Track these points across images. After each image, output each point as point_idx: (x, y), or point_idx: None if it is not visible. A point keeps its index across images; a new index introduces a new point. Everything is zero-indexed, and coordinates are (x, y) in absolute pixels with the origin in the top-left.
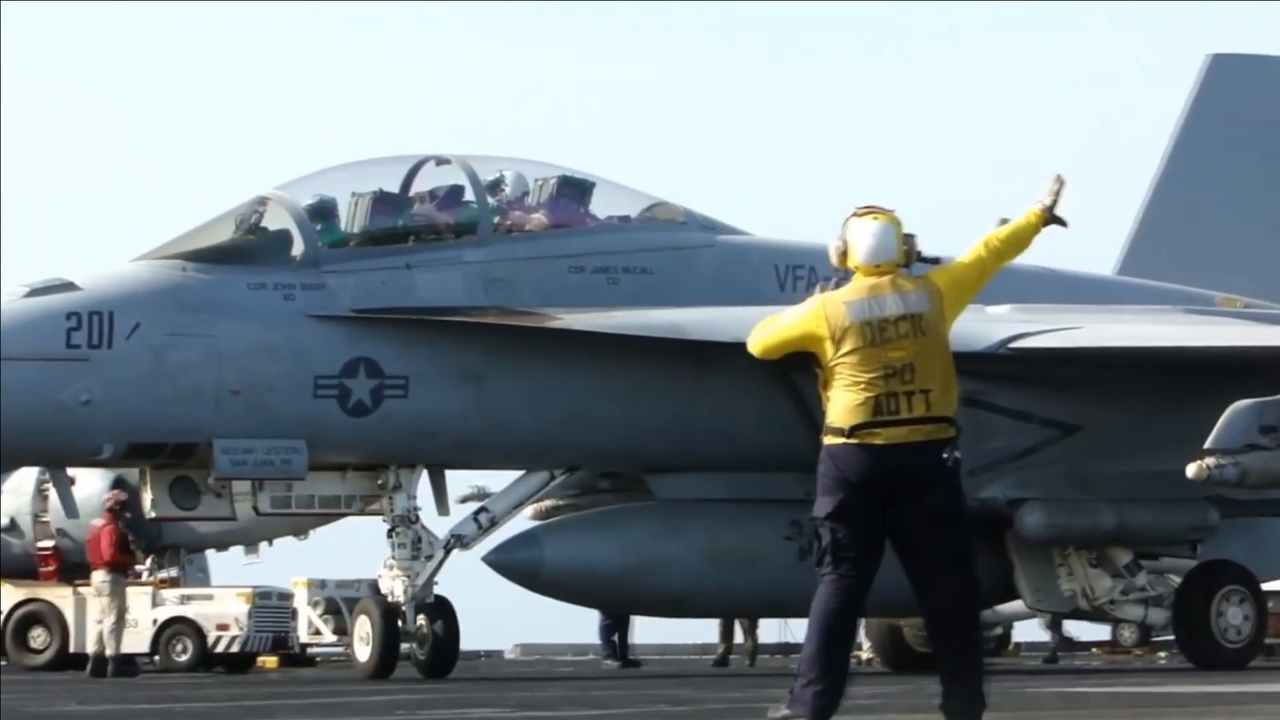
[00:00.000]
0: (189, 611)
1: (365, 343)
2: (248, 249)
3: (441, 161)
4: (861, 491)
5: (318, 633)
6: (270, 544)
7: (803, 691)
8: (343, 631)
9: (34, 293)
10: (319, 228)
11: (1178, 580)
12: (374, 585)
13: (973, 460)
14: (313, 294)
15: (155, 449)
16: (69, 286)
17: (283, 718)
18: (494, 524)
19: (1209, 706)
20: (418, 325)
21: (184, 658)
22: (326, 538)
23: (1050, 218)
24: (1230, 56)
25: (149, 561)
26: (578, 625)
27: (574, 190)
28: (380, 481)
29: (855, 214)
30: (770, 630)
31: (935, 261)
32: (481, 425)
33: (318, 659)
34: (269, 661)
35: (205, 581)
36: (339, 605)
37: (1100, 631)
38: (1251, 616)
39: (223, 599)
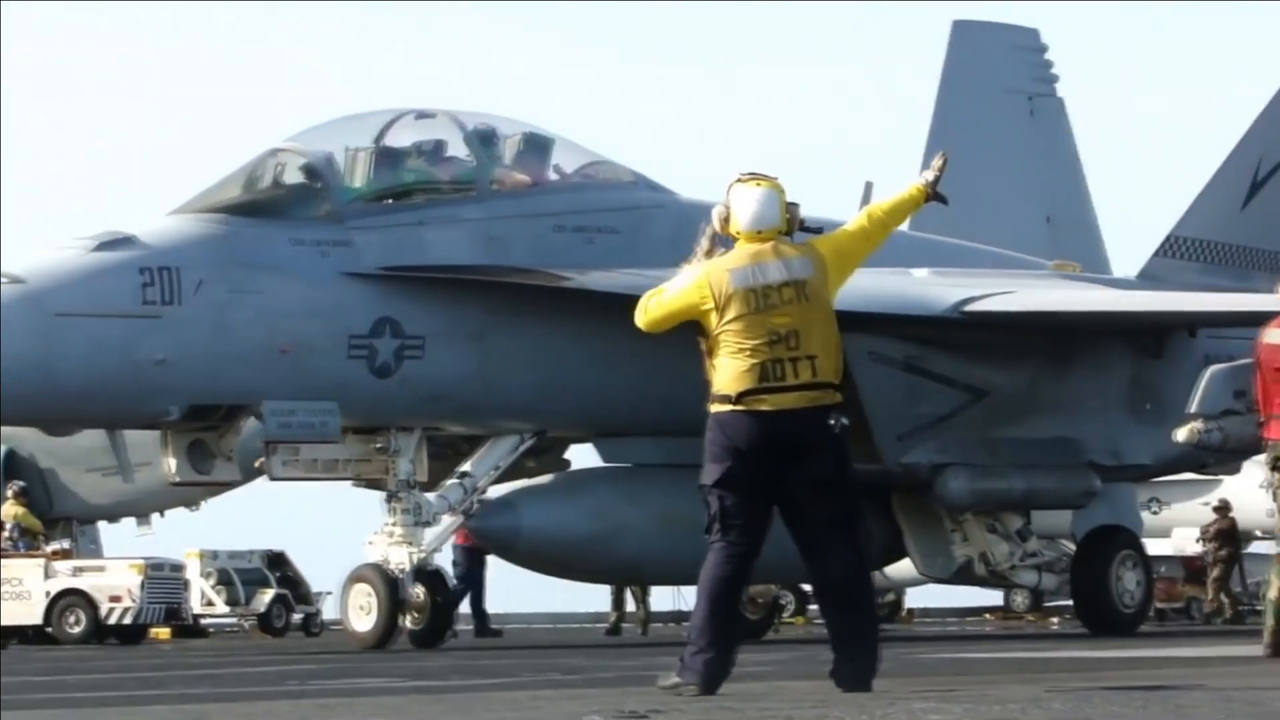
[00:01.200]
0: (81, 583)
1: (390, 302)
2: (280, 203)
3: (424, 115)
4: (749, 459)
5: (210, 604)
6: (162, 515)
7: (693, 659)
8: (235, 602)
9: (101, 246)
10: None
11: (1066, 545)
12: (379, 562)
13: (901, 425)
14: (343, 251)
15: (210, 410)
16: (131, 241)
17: (175, 689)
18: (475, 489)
19: (1100, 671)
20: (434, 285)
21: (77, 629)
22: (218, 509)
23: (932, 194)
24: (971, 23)
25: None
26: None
27: (539, 147)
28: (379, 445)
29: (739, 180)
30: (663, 598)
31: (818, 231)
32: (481, 388)
33: (210, 630)
34: (162, 633)
35: (97, 553)
36: (231, 576)
37: (993, 597)
38: (1142, 581)
39: (115, 570)
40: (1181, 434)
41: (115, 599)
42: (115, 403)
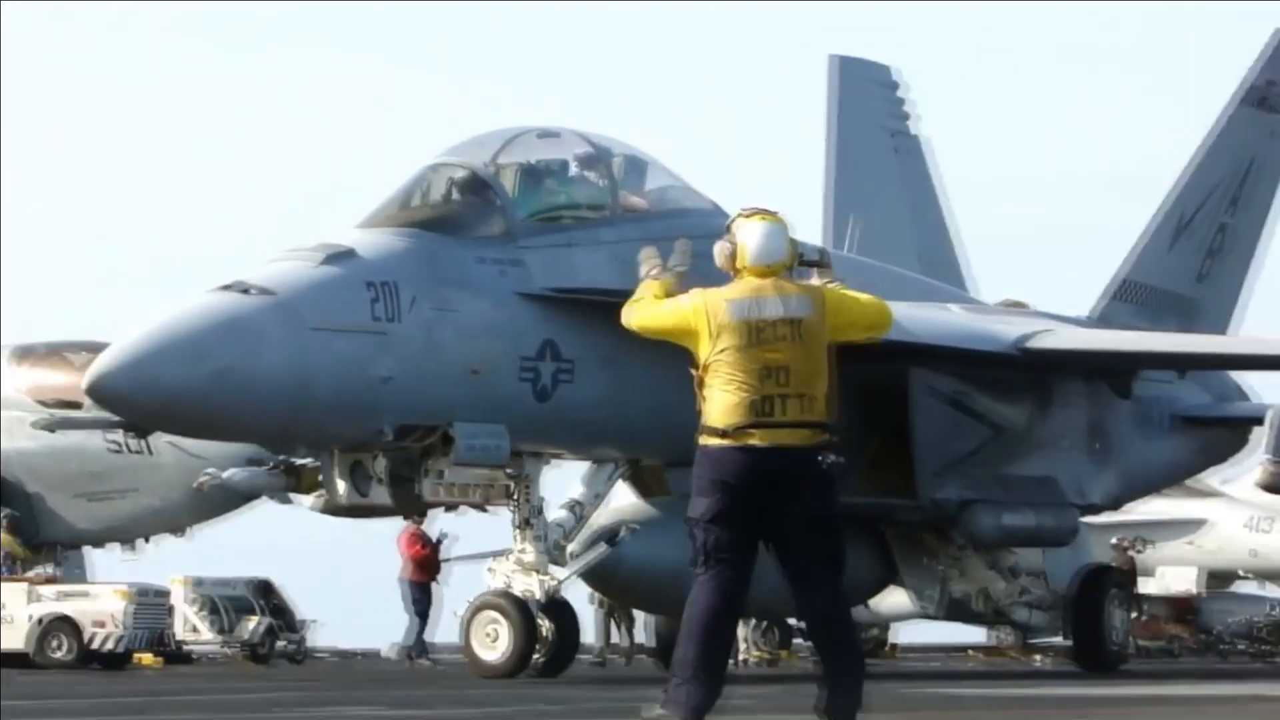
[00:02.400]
0: (67, 608)
1: (552, 324)
2: (464, 220)
3: (547, 134)
4: (739, 493)
5: (195, 630)
6: (148, 541)
7: (677, 691)
8: (221, 629)
9: (329, 259)
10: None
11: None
12: (504, 588)
13: (939, 460)
14: (518, 271)
15: (411, 431)
16: (353, 254)
17: (160, 715)
18: (583, 518)
19: (1087, 709)
20: (585, 308)
21: (61, 654)
22: (204, 536)
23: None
24: (845, 58)
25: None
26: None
27: (639, 169)
28: (510, 470)
29: (743, 215)
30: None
31: (816, 264)
32: (606, 414)
33: (195, 657)
34: (146, 659)
35: (83, 578)
36: (217, 603)
37: (977, 633)
38: (1126, 619)
39: (101, 596)
40: (1261, 476)
41: (100, 624)
42: (348, 421)
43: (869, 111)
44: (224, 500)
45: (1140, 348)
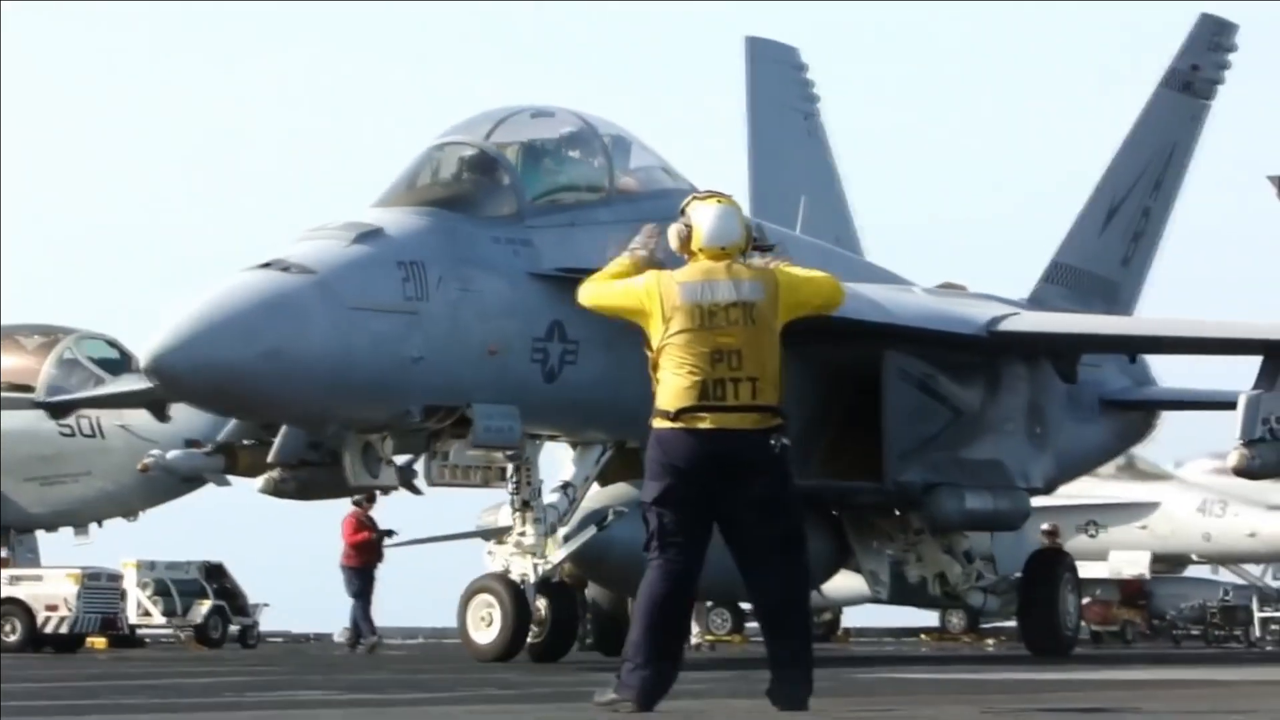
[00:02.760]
0: (18, 592)
1: (559, 305)
2: (478, 199)
3: (541, 113)
4: (689, 477)
5: (147, 614)
6: (100, 525)
7: (630, 676)
8: (172, 613)
9: (360, 238)
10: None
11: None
12: (501, 571)
13: (905, 443)
14: (528, 251)
15: (434, 412)
16: (381, 233)
17: (110, 699)
18: (575, 500)
19: (1038, 693)
20: None
21: (13, 638)
22: (155, 519)
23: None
24: (759, 40)
25: None
26: (407, 610)
27: (624, 148)
28: (510, 452)
29: (696, 198)
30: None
31: (770, 248)
32: (605, 395)
33: (147, 640)
34: (98, 642)
35: (34, 562)
36: (169, 587)
37: (928, 618)
38: (1078, 604)
39: (52, 579)
40: (1234, 459)
41: (52, 608)
42: (381, 402)
43: (782, 93)
44: (175, 483)
45: (1111, 331)
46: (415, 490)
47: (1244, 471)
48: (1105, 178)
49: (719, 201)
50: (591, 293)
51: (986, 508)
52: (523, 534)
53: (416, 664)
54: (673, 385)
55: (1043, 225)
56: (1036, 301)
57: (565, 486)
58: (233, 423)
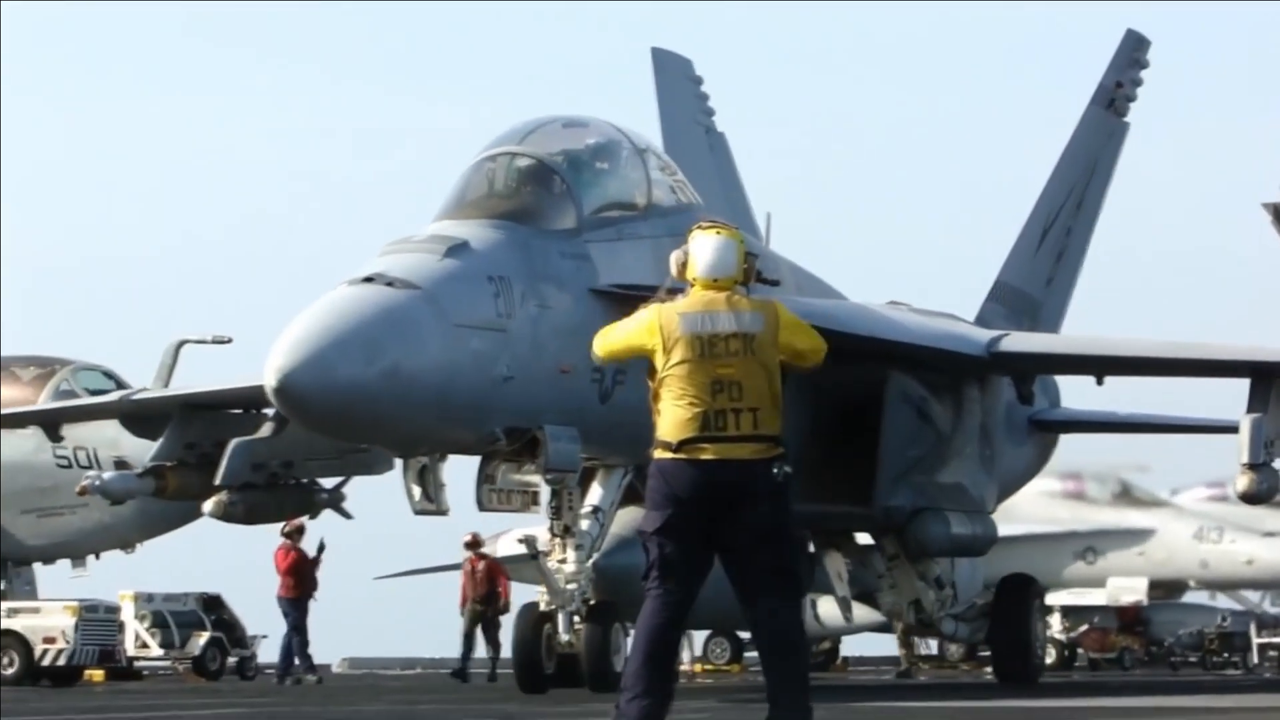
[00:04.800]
0: (15, 624)
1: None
2: (541, 212)
3: (574, 124)
4: (690, 507)
5: (145, 646)
6: (97, 557)
7: (629, 706)
8: (170, 645)
9: (450, 252)
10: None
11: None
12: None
13: (897, 467)
14: (588, 267)
15: (512, 433)
16: (468, 247)
17: None
18: (605, 525)
19: None
20: (641, 306)
21: (10, 671)
22: (152, 551)
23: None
24: (664, 52)
25: None
26: (405, 640)
27: (651, 159)
28: (551, 476)
29: (699, 227)
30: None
31: (775, 284)
32: (646, 418)
33: (144, 673)
34: (96, 675)
35: (32, 594)
36: (166, 619)
37: (928, 646)
38: (1044, 631)
39: (50, 612)
40: (1244, 484)
41: (50, 640)
42: (472, 422)
43: (685, 106)
44: (172, 515)
45: (1103, 353)
46: (345, 515)
47: (1253, 495)
48: (1042, 195)
49: (719, 233)
50: (602, 344)
51: (966, 532)
52: (564, 560)
53: (414, 694)
54: (674, 416)
55: (938, 240)
56: (983, 321)
57: (595, 511)
58: (161, 443)
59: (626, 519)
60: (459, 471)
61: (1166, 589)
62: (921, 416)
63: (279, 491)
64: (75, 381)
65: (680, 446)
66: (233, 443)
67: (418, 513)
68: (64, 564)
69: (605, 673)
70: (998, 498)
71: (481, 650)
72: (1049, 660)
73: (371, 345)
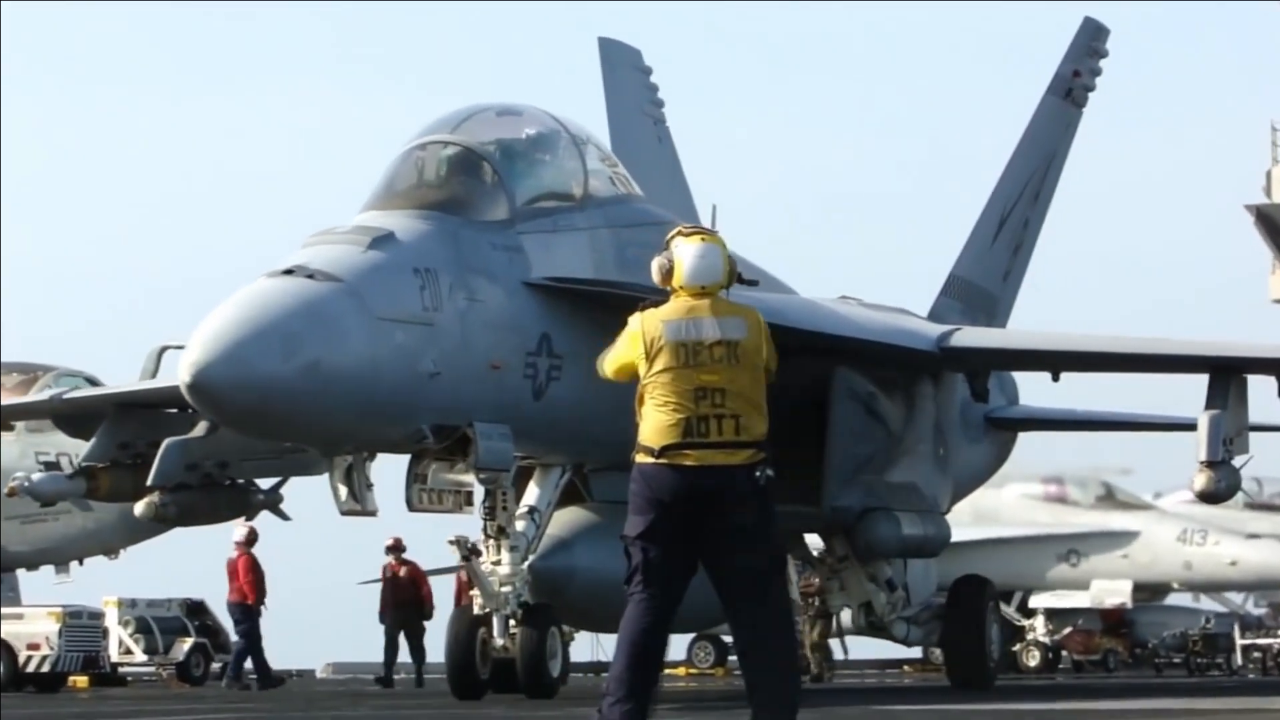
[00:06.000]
0: (0, 631)
1: (548, 317)
2: (471, 202)
3: (508, 112)
4: (673, 511)
5: (129, 652)
6: (81, 563)
7: (611, 710)
8: (154, 651)
9: (375, 244)
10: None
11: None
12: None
13: (846, 467)
14: (519, 258)
15: (441, 431)
16: (394, 238)
17: None
18: (541, 526)
19: None
20: (577, 300)
21: None
22: (136, 557)
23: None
24: (612, 41)
25: None
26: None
27: (588, 148)
28: (483, 475)
29: (681, 234)
30: (582, 648)
31: (753, 283)
32: (580, 415)
33: (128, 679)
34: (80, 681)
35: (16, 601)
36: (150, 625)
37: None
38: (1001, 635)
39: (33, 618)
40: (1201, 482)
41: (34, 647)
42: (397, 420)
43: (633, 97)
44: (155, 521)
45: (1059, 348)
46: (283, 515)
47: (1210, 494)
48: (998, 187)
49: (703, 239)
50: (607, 365)
51: (918, 533)
52: (498, 563)
53: (398, 699)
54: (656, 421)
55: (882, 235)
56: (936, 316)
57: (531, 512)
58: (93, 443)
59: (564, 520)
60: (392, 471)
61: (1150, 591)
62: (871, 414)
63: (214, 492)
64: (57, 388)
65: (663, 452)
66: (165, 442)
67: (344, 513)
68: (48, 570)
69: (542, 678)
70: (953, 497)
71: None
72: (1033, 663)
73: (290, 339)
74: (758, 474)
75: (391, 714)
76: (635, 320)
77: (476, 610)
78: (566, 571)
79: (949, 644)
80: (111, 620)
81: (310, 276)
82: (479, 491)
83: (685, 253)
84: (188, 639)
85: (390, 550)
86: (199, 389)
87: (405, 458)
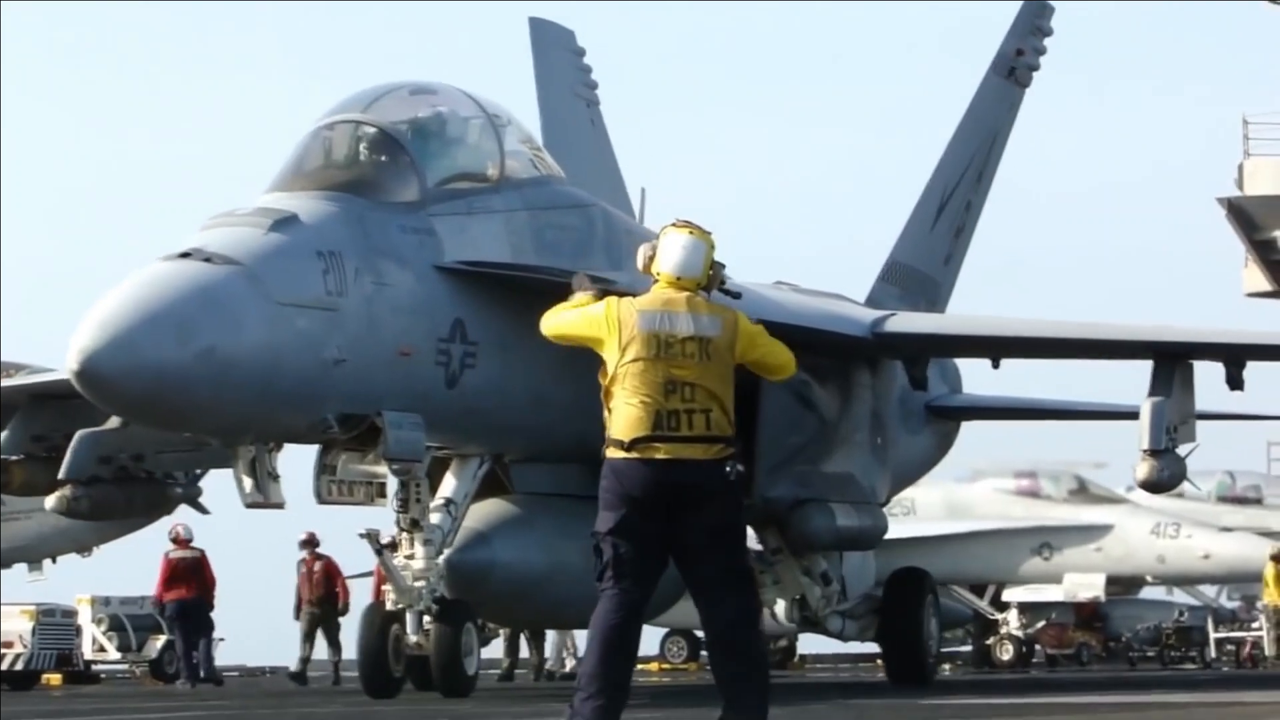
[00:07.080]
0: None
1: (461, 302)
2: (379, 183)
3: (421, 90)
4: (643, 506)
5: (102, 649)
6: (54, 561)
7: (583, 705)
8: (127, 648)
9: (276, 226)
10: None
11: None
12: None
13: (776, 456)
14: (432, 241)
15: (347, 420)
16: (297, 220)
17: None
18: (457, 519)
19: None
20: (492, 285)
21: None
22: (109, 554)
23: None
24: (544, 22)
25: None
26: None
27: (507, 129)
28: (396, 466)
29: (673, 225)
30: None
31: (736, 295)
32: (496, 404)
33: (102, 676)
34: (53, 679)
35: None
36: (123, 622)
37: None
38: (939, 628)
39: (6, 616)
40: (1144, 471)
41: (7, 645)
42: (301, 409)
43: (565, 78)
44: (128, 519)
45: (997, 333)
46: (202, 510)
47: (1152, 484)
48: (938, 170)
49: (691, 233)
50: (553, 323)
51: (853, 525)
52: (411, 556)
53: (309, 697)
54: (626, 414)
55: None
56: (874, 302)
57: (448, 504)
58: (5, 436)
59: (483, 512)
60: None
61: (1124, 585)
62: (803, 402)
63: (129, 485)
64: None
65: (633, 445)
66: (78, 434)
67: (248, 506)
68: (20, 568)
69: (457, 675)
70: (892, 488)
71: (321, 652)
72: (1007, 657)
73: (185, 325)
74: (728, 469)
75: (362, 709)
76: (611, 302)
77: (390, 606)
78: (484, 566)
79: (885, 639)
80: (85, 618)
81: (207, 260)
82: (392, 483)
83: (670, 242)
84: (161, 636)
85: (304, 545)
86: (87, 376)
87: (316, 448)
